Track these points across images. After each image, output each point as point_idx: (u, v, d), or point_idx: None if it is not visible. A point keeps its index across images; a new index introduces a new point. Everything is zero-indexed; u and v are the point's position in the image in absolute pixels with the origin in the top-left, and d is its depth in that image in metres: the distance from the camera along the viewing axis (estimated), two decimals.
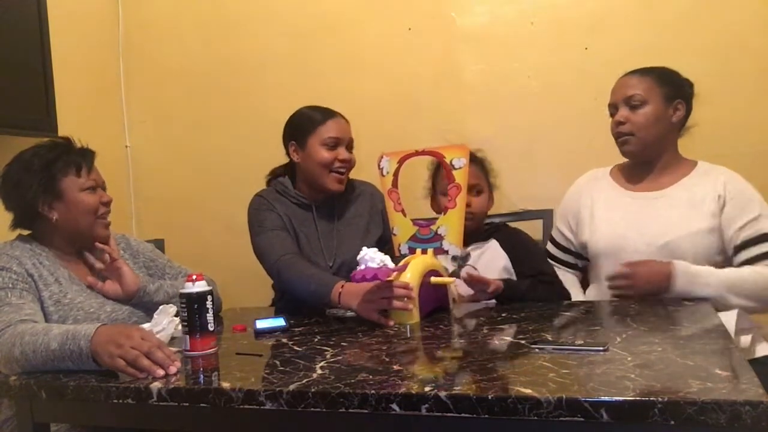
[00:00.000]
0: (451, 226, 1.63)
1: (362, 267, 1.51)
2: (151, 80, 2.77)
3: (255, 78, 2.65)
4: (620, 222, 1.77)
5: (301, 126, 1.94)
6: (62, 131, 2.16)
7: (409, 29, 2.48)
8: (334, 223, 1.96)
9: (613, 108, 1.80)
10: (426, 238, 1.66)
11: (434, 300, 1.61)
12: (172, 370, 1.19)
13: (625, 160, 1.86)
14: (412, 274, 1.54)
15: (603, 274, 1.76)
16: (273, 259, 1.79)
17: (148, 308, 1.61)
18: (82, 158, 1.60)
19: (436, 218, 1.67)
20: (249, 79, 2.66)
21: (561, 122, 2.35)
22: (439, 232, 1.64)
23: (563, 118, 2.34)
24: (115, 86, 2.75)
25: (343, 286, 1.61)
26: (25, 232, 1.62)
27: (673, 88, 1.75)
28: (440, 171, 2.00)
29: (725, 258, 1.70)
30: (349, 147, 1.94)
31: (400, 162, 1.70)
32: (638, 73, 1.78)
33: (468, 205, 1.92)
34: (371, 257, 1.51)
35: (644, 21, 2.26)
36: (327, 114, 1.93)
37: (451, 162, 1.62)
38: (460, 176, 1.62)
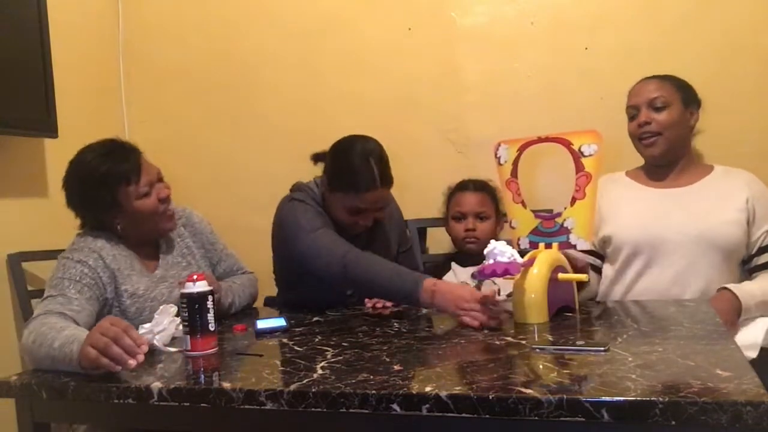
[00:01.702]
0: (578, 218, 1.53)
1: (491, 261, 1.43)
2: (151, 80, 2.77)
3: (255, 78, 2.65)
4: (648, 215, 1.80)
5: (339, 177, 1.75)
6: (62, 131, 2.17)
7: (409, 29, 2.48)
8: (364, 237, 1.86)
9: (635, 110, 1.84)
10: (550, 231, 1.57)
11: (561, 299, 1.51)
12: (140, 358, 1.16)
13: (638, 165, 1.91)
14: (539, 269, 1.45)
15: (629, 264, 1.80)
16: (339, 254, 1.64)
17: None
18: (129, 164, 1.58)
19: (561, 210, 1.57)
20: (249, 79, 2.65)
21: (561, 122, 2.34)
22: (565, 225, 1.54)
23: (563, 119, 2.34)
24: (115, 86, 2.74)
25: (435, 284, 1.52)
26: None
27: (689, 95, 1.83)
28: (453, 196, 2.03)
29: (748, 253, 1.76)
30: (381, 210, 1.79)
31: (521, 150, 1.60)
32: (657, 79, 1.84)
33: (473, 230, 1.98)
34: (501, 251, 1.43)
35: (645, 21, 2.26)
36: (369, 184, 1.71)
37: (579, 149, 1.51)
38: (590, 164, 1.50)
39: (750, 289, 1.67)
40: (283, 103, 2.60)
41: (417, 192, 2.36)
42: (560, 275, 1.49)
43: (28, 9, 2.07)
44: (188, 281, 1.33)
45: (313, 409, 1.03)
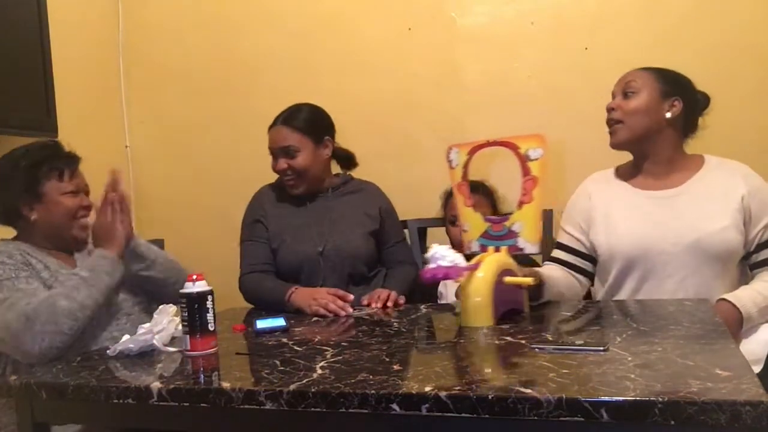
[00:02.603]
0: (526, 222, 1.53)
1: (433, 265, 1.43)
2: (151, 80, 2.77)
3: (255, 78, 2.65)
4: (641, 223, 1.72)
5: None
6: (62, 131, 2.17)
7: (409, 29, 2.48)
8: (327, 210, 1.99)
9: (612, 98, 1.81)
10: (499, 234, 1.56)
11: (509, 301, 1.50)
12: None
13: (625, 161, 1.86)
14: (485, 273, 1.44)
15: (624, 279, 1.73)
16: (242, 272, 1.97)
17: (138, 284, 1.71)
18: (66, 164, 1.65)
19: (510, 214, 1.57)
20: (249, 79, 2.66)
21: (561, 122, 2.35)
22: (513, 229, 1.55)
23: (563, 119, 2.34)
24: (115, 86, 2.75)
25: (296, 288, 1.82)
26: (8, 236, 1.67)
27: (672, 86, 1.75)
28: (450, 200, 2.03)
29: (746, 253, 1.70)
30: (289, 154, 1.93)
31: (471, 153, 1.61)
32: (641, 69, 1.79)
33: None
34: (442, 255, 1.43)
35: (645, 21, 2.26)
36: (273, 122, 1.98)
37: (526, 153, 1.51)
38: (536, 168, 1.51)
39: (750, 295, 1.61)
40: (282, 103, 2.59)
41: (417, 192, 2.36)
42: (506, 278, 1.48)
43: (28, 9, 2.08)
44: (188, 281, 1.33)
45: (312, 409, 1.03)
